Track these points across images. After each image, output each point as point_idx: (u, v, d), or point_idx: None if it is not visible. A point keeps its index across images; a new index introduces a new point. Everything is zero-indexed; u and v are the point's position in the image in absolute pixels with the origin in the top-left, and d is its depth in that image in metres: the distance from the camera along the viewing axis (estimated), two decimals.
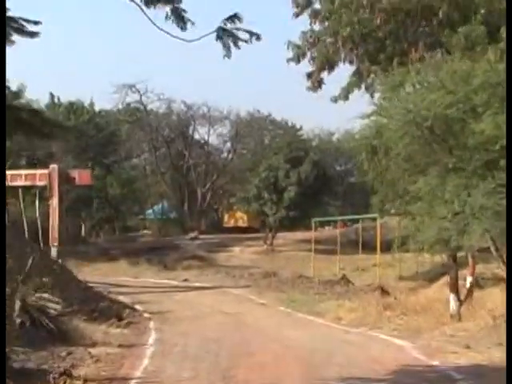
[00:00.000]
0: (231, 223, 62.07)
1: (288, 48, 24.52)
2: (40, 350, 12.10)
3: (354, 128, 19.86)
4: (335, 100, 26.13)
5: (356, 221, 47.23)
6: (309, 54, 24.47)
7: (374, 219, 39.87)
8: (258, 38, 8.88)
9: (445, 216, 16.95)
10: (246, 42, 8.80)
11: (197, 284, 34.18)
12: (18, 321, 12.41)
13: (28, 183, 32.07)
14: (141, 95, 59.05)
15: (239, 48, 8.83)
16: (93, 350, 12.65)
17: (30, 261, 14.05)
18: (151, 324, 18.99)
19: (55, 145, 52.32)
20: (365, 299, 23.88)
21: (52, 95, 56.74)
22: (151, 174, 68.17)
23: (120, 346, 13.59)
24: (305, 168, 46.72)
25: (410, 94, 18.14)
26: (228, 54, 8.81)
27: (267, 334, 16.64)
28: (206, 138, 65.74)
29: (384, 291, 26.35)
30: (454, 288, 19.86)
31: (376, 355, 13.65)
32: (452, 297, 19.72)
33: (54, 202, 31.30)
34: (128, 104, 60.06)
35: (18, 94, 51.61)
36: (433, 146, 18.28)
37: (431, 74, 18.08)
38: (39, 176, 31.97)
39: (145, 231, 64.77)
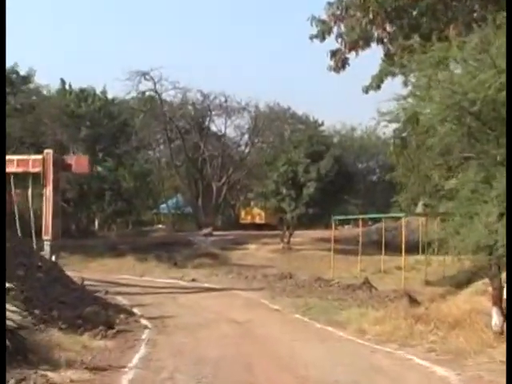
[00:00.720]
0: (248, 220, 60.15)
1: (311, 24, 21.85)
2: None
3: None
4: (366, 90, 23.33)
5: (377, 220, 45.21)
6: (335, 29, 21.82)
7: (397, 219, 37.72)
8: None
9: (490, 216, 14.55)
10: None
11: (206, 285, 31.73)
12: None
13: (20, 170, 29.29)
14: (155, 83, 56.42)
15: None
16: (54, 375, 9.86)
17: None
18: (145, 334, 16.41)
19: (64, 133, 50.30)
20: (391, 308, 21.19)
21: (63, 81, 54.54)
22: (166, 166, 65.85)
23: (93, 368, 10.84)
24: (325, 163, 44.39)
25: (454, 73, 15.58)
26: None
27: (278, 354, 13.85)
28: (223, 129, 63.38)
29: (412, 299, 23.86)
30: (499, 300, 17.08)
31: None
32: (495, 310, 16.96)
33: (48, 190, 28.51)
34: (142, 92, 57.50)
35: (27, 79, 49.62)
36: (475, 135, 15.84)
37: (478, 49, 15.40)
38: (32, 162, 29.12)
39: (159, 226, 62.95)
